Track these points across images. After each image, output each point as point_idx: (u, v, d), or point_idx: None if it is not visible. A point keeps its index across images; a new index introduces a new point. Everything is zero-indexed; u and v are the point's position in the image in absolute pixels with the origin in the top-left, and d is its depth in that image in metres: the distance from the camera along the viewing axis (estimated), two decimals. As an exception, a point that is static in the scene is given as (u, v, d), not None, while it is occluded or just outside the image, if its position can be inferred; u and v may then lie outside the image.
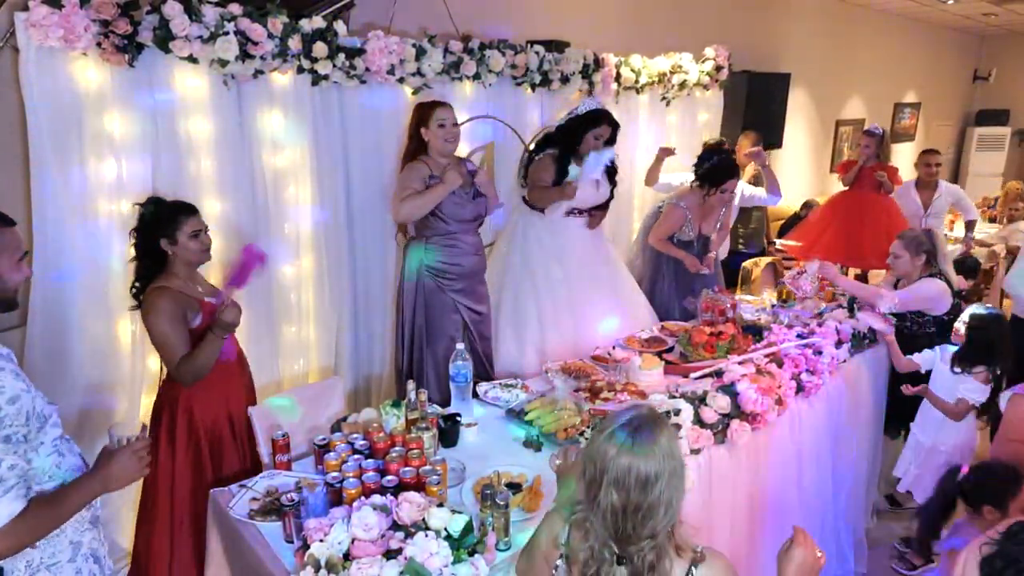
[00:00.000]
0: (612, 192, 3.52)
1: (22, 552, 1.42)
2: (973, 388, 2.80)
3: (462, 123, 3.17)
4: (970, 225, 5.32)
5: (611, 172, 3.46)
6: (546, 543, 1.45)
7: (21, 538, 1.37)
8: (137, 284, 2.28)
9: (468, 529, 1.65)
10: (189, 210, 2.26)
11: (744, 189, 4.32)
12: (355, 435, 2.11)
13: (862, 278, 4.75)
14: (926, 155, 4.94)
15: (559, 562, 1.41)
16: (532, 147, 3.38)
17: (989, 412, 2.87)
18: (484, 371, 3.16)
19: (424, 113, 2.87)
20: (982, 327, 2.79)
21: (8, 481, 1.33)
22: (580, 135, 3.22)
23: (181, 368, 2.17)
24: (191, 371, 2.17)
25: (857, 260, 4.72)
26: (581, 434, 2.24)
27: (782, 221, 5.91)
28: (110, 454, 1.53)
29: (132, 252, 2.28)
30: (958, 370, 2.82)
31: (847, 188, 4.78)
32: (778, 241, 4.90)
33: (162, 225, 2.21)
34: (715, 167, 3.55)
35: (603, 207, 3.51)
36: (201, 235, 2.27)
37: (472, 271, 3.07)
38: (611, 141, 3.30)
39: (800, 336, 2.96)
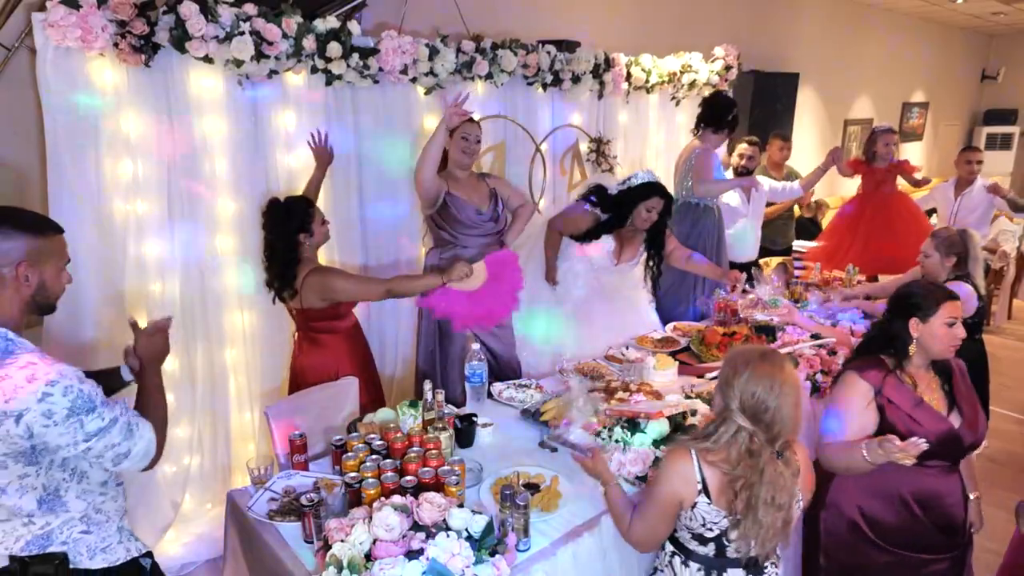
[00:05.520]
0: (655, 259, 3.29)
1: (80, 538, 1.55)
2: None
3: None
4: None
5: (654, 250, 3.29)
6: (681, 485, 1.60)
7: (160, 450, 1.59)
8: (278, 280, 2.55)
9: (489, 530, 1.65)
10: (311, 203, 2.61)
11: (773, 184, 4.46)
12: (372, 435, 2.11)
13: (872, 280, 4.71)
14: (967, 152, 4.74)
15: (700, 498, 1.59)
16: (585, 193, 3.27)
17: None
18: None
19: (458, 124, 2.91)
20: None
21: (132, 421, 1.52)
22: (631, 208, 3.10)
23: (393, 287, 2.58)
24: (402, 289, 2.61)
25: (885, 267, 4.49)
26: (597, 434, 2.23)
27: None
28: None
29: (265, 254, 2.58)
30: None
31: (863, 191, 4.72)
32: (797, 244, 4.87)
33: (298, 219, 2.51)
34: (736, 116, 3.87)
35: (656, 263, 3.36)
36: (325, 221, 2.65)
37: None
38: (666, 212, 3.17)
39: (814, 336, 2.95)
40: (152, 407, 1.63)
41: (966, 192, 4.71)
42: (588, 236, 3.18)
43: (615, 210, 3.12)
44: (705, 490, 1.58)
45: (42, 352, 1.46)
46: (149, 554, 1.71)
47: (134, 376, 1.75)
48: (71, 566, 1.53)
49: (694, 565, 1.67)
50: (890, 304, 2.08)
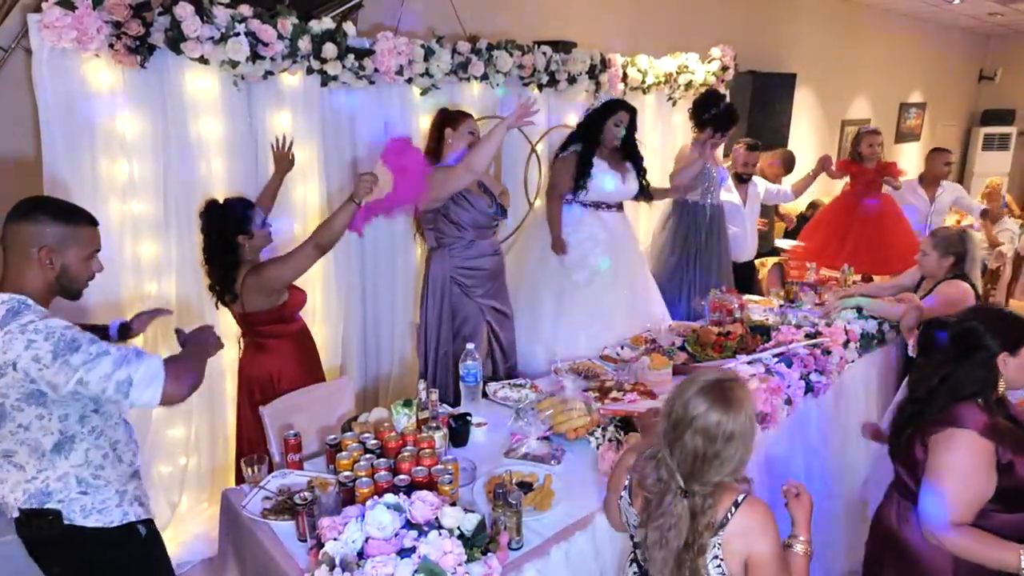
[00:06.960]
0: (643, 184, 3.51)
1: (76, 498, 1.64)
2: None
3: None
4: (985, 214, 5.39)
5: (636, 164, 3.48)
6: (621, 471, 1.66)
7: (186, 380, 1.63)
8: (220, 283, 2.49)
9: (481, 528, 1.65)
10: (250, 203, 2.53)
11: (769, 187, 4.57)
12: (366, 434, 2.12)
13: (867, 280, 4.71)
14: (944, 153, 4.97)
15: (624, 492, 1.63)
16: (558, 149, 3.48)
17: None
18: (510, 375, 3.15)
19: (454, 117, 3.03)
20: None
21: (130, 353, 1.56)
22: (600, 126, 3.32)
23: (318, 240, 2.44)
24: (327, 236, 2.45)
25: (874, 267, 4.46)
26: (591, 433, 2.24)
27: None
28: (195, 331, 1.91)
29: (203, 257, 2.53)
30: None
31: (852, 190, 4.71)
32: (784, 243, 4.88)
33: (236, 220, 2.45)
34: (721, 114, 3.87)
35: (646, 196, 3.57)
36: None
37: (494, 272, 3.10)
38: (632, 127, 3.39)
39: (809, 336, 2.96)
40: (177, 356, 1.71)
41: (939, 194, 4.89)
42: (580, 175, 3.31)
43: (586, 133, 3.34)
44: (629, 487, 1.63)
45: (49, 313, 1.57)
46: (150, 522, 1.79)
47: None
48: (65, 522, 1.63)
49: (631, 569, 1.69)
50: (960, 341, 1.77)
